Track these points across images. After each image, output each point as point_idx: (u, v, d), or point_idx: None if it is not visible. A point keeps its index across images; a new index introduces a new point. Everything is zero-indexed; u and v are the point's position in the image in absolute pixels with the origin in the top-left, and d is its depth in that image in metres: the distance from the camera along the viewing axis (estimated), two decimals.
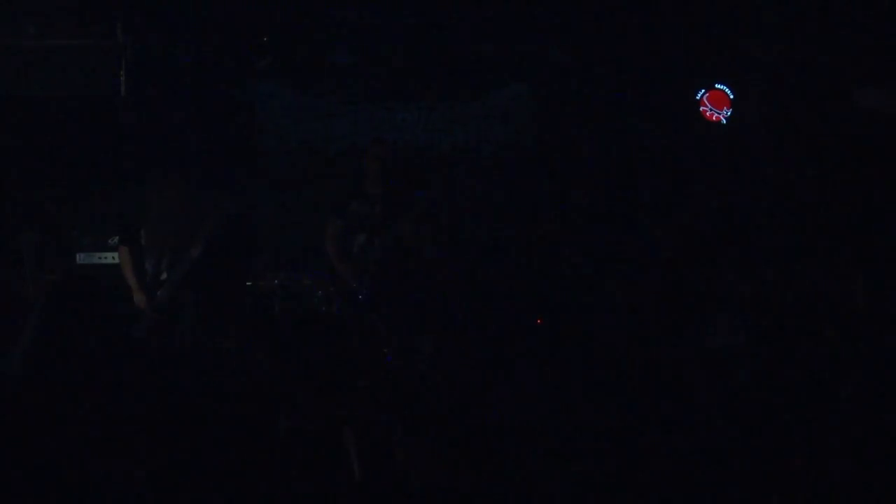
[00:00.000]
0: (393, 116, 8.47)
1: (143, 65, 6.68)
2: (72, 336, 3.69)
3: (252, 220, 4.54)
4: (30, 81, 5.89)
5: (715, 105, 8.21)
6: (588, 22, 7.36)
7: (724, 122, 8.22)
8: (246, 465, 2.72)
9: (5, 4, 5.82)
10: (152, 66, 7.29)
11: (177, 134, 8.03)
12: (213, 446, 2.76)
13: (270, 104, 8.44)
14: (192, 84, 7.86)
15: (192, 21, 7.52)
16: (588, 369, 3.88)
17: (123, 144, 7.93)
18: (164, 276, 6.16)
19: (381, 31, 8.09)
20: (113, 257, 7.51)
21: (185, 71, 7.66)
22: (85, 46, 5.86)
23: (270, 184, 8.45)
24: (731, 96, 8.17)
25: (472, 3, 7.72)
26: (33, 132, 7.86)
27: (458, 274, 7.43)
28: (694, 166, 7.81)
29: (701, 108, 8.19)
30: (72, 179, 7.89)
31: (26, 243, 7.63)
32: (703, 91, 8.07)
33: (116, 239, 7.24)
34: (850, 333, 4.18)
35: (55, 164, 7.89)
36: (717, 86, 8.05)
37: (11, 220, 7.78)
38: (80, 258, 7.64)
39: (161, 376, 4.03)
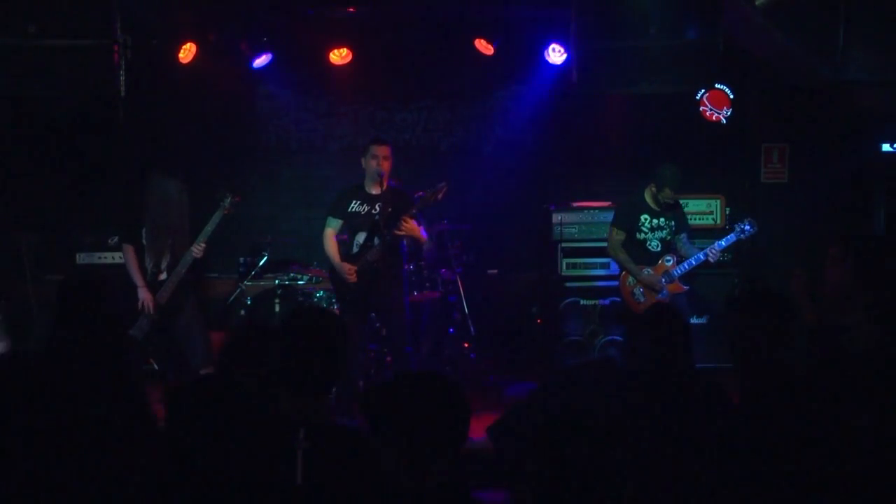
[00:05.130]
0: (393, 116, 8.48)
1: (142, 65, 6.67)
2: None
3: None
4: (30, 81, 5.87)
5: (715, 105, 8.21)
6: None
7: (724, 121, 8.21)
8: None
9: (5, 4, 5.80)
10: (152, 66, 7.29)
11: (176, 134, 8.05)
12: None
13: (270, 104, 8.45)
14: (192, 84, 7.87)
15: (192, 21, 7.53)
16: None
17: (123, 144, 7.94)
18: (163, 276, 6.16)
19: (382, 31, 8.09)
20: (113, 257, 7.54)
21: (185, 71, 7.66)
22: (85, 46, 5.83)
23: (270, 183, 8.45)
24: (731, 96, 8.16)
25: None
26: (33, 132, 7.87)
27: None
28: None
29: (701, 108, 8.18)
30: (72, 179, 7.90)
31: (26, 243, 7.64)
32: (703, 91, 8.05)
33: (116, 239, 7.25)
34: None
35: (55, 163, 7.90)
36: (717, 86, 8.03)
37: (11, 220, 7.78)
38: (80, 258, 7.65)
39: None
